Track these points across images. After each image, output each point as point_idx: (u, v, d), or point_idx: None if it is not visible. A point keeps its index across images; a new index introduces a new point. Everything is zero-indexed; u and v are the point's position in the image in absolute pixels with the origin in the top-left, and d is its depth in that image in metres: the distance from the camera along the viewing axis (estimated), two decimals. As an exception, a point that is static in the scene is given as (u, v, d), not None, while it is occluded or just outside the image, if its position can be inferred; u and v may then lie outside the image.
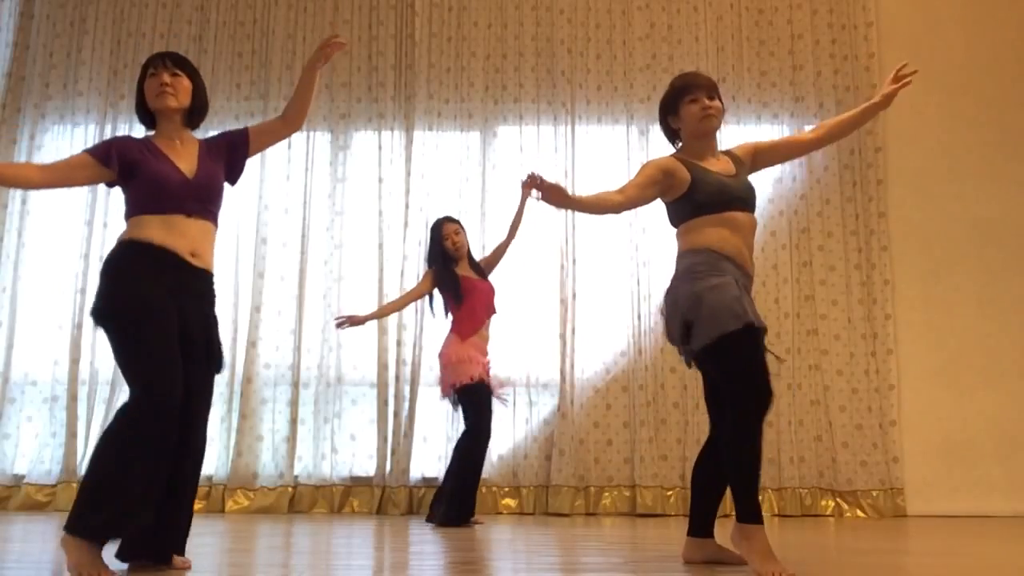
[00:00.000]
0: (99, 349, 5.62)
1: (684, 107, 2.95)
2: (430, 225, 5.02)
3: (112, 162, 2.68)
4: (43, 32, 6.10)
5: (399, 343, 5.64)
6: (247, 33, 6.10)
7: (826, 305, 5.66)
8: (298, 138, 5.95)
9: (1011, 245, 5.77)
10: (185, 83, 2.79)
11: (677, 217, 2.95)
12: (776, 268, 5.70)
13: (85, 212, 5.78)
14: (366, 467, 5.56)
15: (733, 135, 5.81)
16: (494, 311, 4.82)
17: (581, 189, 5.82)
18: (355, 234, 5.84)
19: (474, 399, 4.59)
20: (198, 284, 2.71)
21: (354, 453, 5.59)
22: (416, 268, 5.69)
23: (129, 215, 2.70)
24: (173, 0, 6.13)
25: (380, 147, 5.92)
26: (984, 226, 5.79)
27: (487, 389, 4.64)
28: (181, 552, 2.65)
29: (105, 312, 2.57)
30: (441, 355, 4.72)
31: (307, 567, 2.80)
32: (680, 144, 3.04)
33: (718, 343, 2.67)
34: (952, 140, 5.88)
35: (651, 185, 2.91)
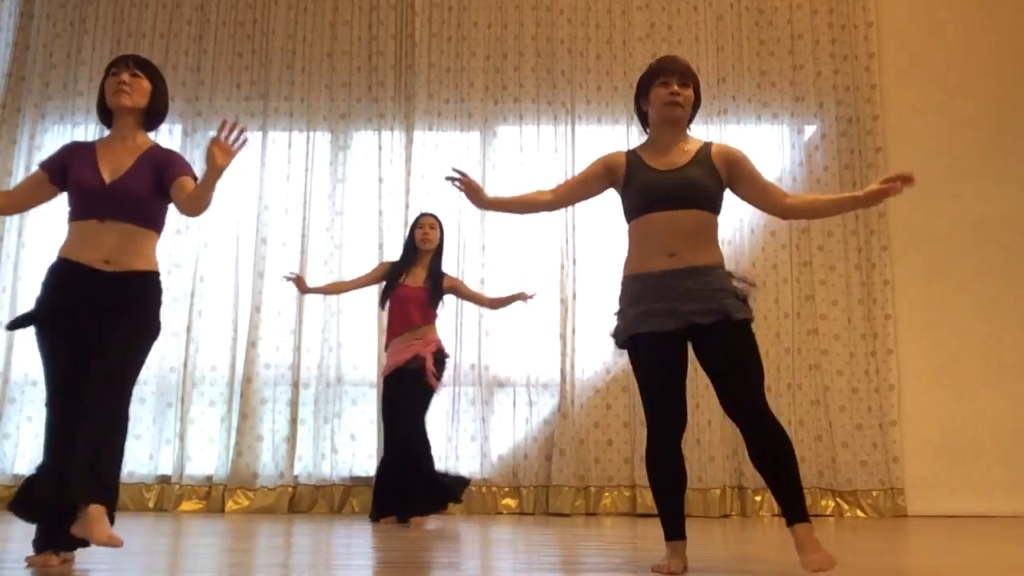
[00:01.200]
0: (99, 349, 5.62)
1: (654, 89, 2.84)
2: (442, 214, 5.15)
3: (53, 172, 2.82)
4: (43, 32, 6.10)
5: (399, 343, 5.63)
6: (247, 33, 6.10)
7: (826, 305, 5.66)
8: (298, 138, 5.95)
9: (1011, 245, 5.77)
10: (144, 84, 2.85)
11: (624, 217, 2.91)
12: (776, 268, 5.69)
13: (85, 212, 5.78)
14: (366, 467, 5.55)
15: (733, 135, 5.83)
16: (412, 323, 4.77)
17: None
18: (355, 234, 5.84)
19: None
20: (114, 289, 2.72)
21: (354, 453, 5.58)
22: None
23: (68, 220, 2.83)
24: (173, 0, 6.14)
25: (380, 147, 5.92)
26: (984, 226, 5.79)
27: (390, 384, 4.78)
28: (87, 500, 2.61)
29: (25, 320, 2.77)
30: None
31: (307, 567, 2.80)
32: (649, 130, 2.94)
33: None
34: (952, 140, 5.88)
35: (592, 180, 2.90)
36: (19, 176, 5.90)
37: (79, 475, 2.59)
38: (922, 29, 6.05)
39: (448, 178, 2.87)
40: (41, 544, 2.73)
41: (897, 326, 5.66)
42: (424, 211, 5.13)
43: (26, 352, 5.70)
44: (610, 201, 6.16)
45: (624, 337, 2.78)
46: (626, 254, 2.84)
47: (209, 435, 5.61)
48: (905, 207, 5.78)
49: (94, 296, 2.71)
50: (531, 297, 4.92)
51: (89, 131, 5.95)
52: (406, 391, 4.68)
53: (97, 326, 2.69)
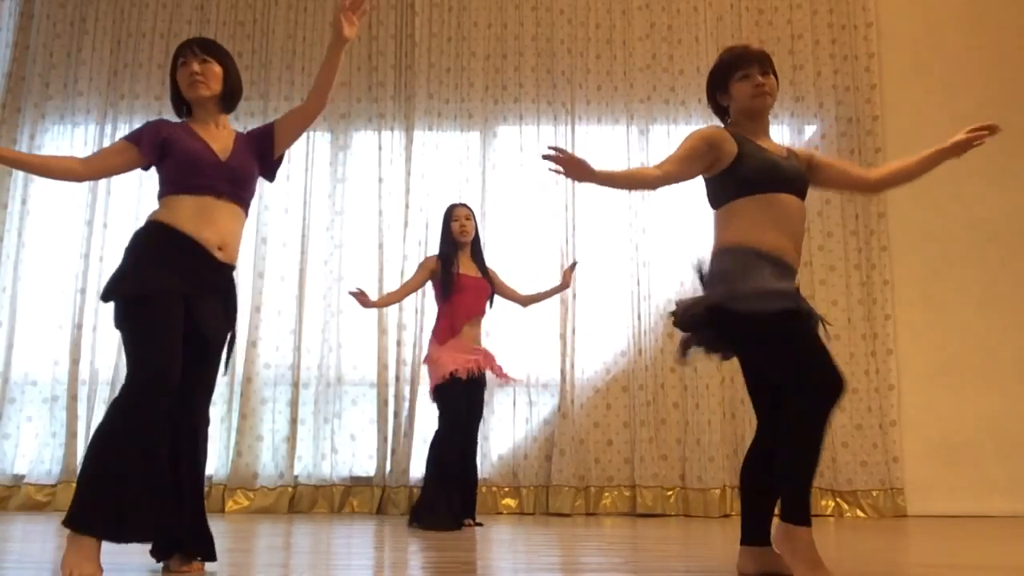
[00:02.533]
0: (99, 349, 5.62)
1: (734, 84, 2.74)
2: (441, 214, 4.96)
3: (144, 143, 2.69)
4: (43, 32, 6.10)
5: (399, 343, 5.64)
6: (247, 33, 6.10)
7: (826, 305, 5.66)
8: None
9: (1011, 245, 5.77)
10: (215, 69, 2.78)
11: (717, 196, 2.71)
12: (776, 268, 5.69)
13: (85, 212, 5.78)
14: (366, 467, 5.56)
15: (733, 135, 5.82)
16: (481, 311, 4.77)
17: (581, 189, 5.83)
18: (355, 234, 5.84)
19: (446, 398, 4.56)
20: (221, 281, 2.70)
21: (354, 453, 5.58)
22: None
23: (162, 195, 2.69)
24: (173, 0, 6.14)
25: (380, 147, 5.92)
26: (984, 226, 5.79)
27: (460, 385, 4.56)
28: (206, 556, 2.64)
29: (115, 291, 2.56)
30: (425, 360, 4.78)
31: (307, 567, 2.80)
32: (730, 121, 2.83)
33: (761, 325, 2.50)
34: (952, 140, 5.87)
35: (695, 158, 2.67)
36: (19, 176, 5.90)
37: (196, 532, 2.63)
38: (922, 29, 6.05)
39: (545, 157, 2.62)
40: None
41: (897, 326, 5.66)
42: (457, 202, 4.98)
43: (26, 352, 5.70)
44: (610, 201, 6.16)
45: (771, 309, 2.49)
46: (729, 232, 2.64)
47: (209, 435, 5.59)
48: (905, 207, 5.79)
49: (204, 281, 2.63)
50: (572, 274, 4.87)
51: (89, 131, 5.95)
52: (479, 401, 4.72)
53: (196, 317, 2.61)
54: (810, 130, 5.95)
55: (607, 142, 5.93)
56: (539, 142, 5.92)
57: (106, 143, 5.86)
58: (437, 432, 4.57)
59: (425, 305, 5.67)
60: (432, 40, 6.04)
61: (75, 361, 5.60)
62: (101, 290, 2.61)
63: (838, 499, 5.45)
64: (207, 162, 2.67)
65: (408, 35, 6.06)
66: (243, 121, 5.92)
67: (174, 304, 2.56)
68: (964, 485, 5.47)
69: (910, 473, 5.47)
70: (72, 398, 5.54)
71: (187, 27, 6.08)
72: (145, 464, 2.44)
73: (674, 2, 6.04)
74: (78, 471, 2.48)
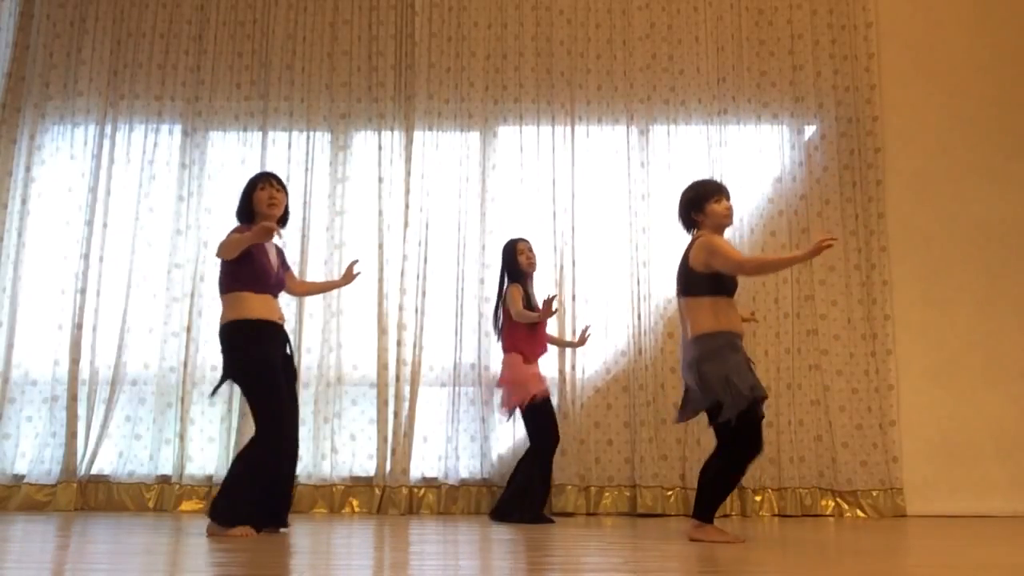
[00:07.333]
0: (99, 349, 5.62)
1: (710, 206, 3.81)
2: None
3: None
4: (43, 32, 6.10)
5: (399, 343, 5.64)
6: (247, 33, 6.10)
7: (826, 305, 5.66)
8: (298, 138, 5.95)
9: (1011, 245, 5.77)
10: (284, 198, 4.10)
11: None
12: (776, 268, 5.69)
13: (85, 212, 5.78)
14: (366, 467, 5.56)
15: (733, 135, 5.83)
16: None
17: (581, 189, 5.84)
18: (355, 234, 5.84)
19: (537, 417, 4.90)
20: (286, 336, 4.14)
21: (354, 453, 5.58)
22: (416, 268, 5.69)
23: (236, 289, 3.93)
24: (173, 0, 6.14)
25: (380, 147, 5.92)
26: (984, 226, 5.79)
27: (549, 403, 5.00)
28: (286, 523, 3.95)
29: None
30: (505, 379, 5.01)
31: (307, 567, 2.81)
32: (697, 231, 3.87)
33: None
34: (952, 140, 5.88)
35: None
36: (19, 176, 5.90)
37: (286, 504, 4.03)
38: (922, 29, 6.05)
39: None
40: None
41: (896, 326, 5.67)
42: (516, 238, 5.23)
43: (26, 352, 5.70)
44: (610, 201, 6.14)
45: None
46: (705, 319, 3.73)
47: (209, 435, 5.61)
48: (904, 207, 5.80)
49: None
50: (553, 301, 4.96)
51: (89, 131, 5.95)
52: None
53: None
54: (810, 130, 5.96)
55: (607, 142, 5.93)
56: (539, 142, 5.92)
57: (106, 143, 5.88)
58: (544, 441, 4.89)
59: (425, 305, 5.67)
60: (432, 40, 6.05)
61: (75, 361, 5.60)
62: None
63: (838, 499, 5.45)
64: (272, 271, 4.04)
65: (408, 35, 6.06)
66: (242, 121, 5.93)
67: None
68: (964, 485, 5.48)
69: (910, 473, 5.48)
70: (72, 398, 5.54)
71: (187, 27, 6.08)
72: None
73: (674, 2, 6.04)
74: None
